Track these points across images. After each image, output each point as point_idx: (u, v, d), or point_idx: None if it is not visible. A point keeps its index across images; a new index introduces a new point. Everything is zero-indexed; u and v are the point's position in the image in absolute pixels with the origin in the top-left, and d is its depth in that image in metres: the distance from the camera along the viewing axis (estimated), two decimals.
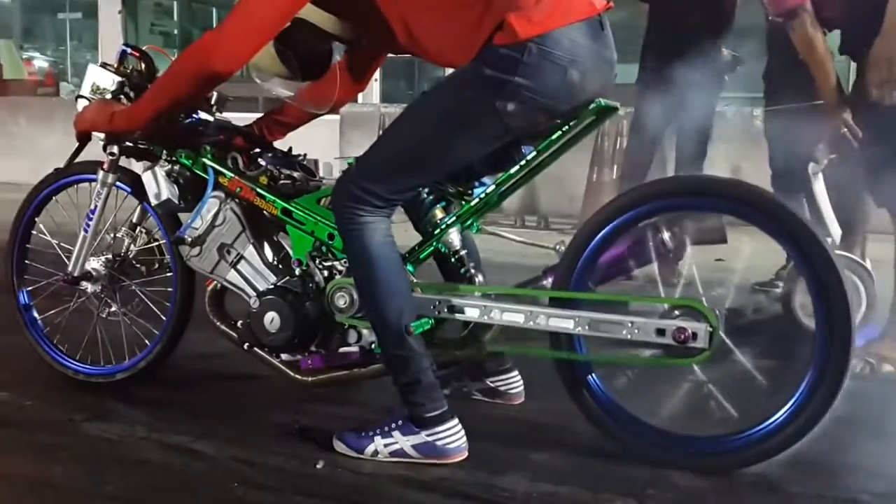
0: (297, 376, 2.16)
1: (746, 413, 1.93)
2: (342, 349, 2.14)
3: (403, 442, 1.97)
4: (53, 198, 2.55)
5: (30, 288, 2.62)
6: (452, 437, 1.97)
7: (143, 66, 2.37)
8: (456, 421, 1.98)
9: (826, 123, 3.15)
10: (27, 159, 8.46)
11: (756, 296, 3.57)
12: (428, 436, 1.96)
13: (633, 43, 4.31)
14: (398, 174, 1.97)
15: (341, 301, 2.08)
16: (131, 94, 2.31)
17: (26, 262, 2.61)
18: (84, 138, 2.29)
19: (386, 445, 1.98)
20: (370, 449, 1.99)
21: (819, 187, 3.09)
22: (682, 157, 4.16)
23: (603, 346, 2.00)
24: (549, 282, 2.05)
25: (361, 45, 2.23)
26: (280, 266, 2.22)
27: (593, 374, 2.03)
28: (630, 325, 1.90)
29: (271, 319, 2.11)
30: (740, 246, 1.99)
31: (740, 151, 5.80)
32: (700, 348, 1.86)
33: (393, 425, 1.99)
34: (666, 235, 1.98)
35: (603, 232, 1.98)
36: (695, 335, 1.86)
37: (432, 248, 2.10)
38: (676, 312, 1.90)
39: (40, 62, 12.05)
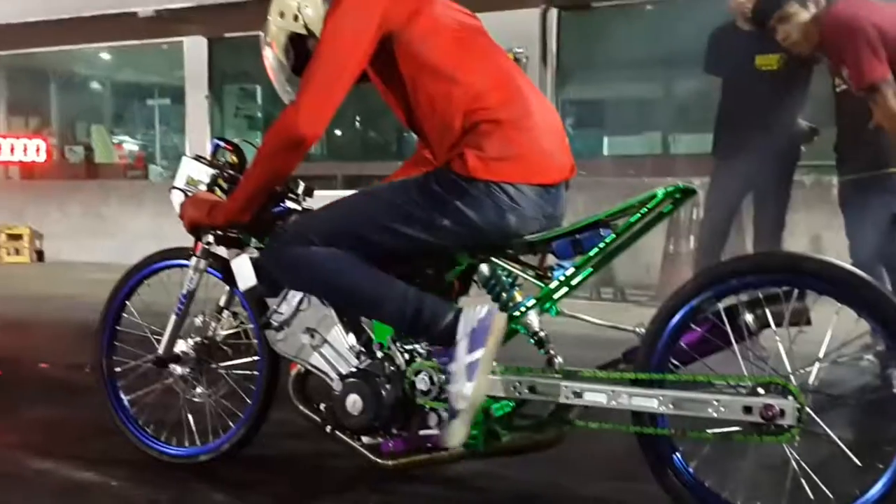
0: (378, 460, 2.16)
1: (837, 492, 1.87)
2: (423, 432, 2.14)
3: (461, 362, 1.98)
4: (145, 281, 2.64)
5: (118, 369, 2.69)
6: (484, 317, 1.99)
7: (234, 158, 2.47)
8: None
9: None
10: (117, 240, 8.79)
11: (842, 369, 3.46)
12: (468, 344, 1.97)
13: (708, 112, 4.30)
14: (329, 228, 2.11)
15: (422, 384, 2.09)
16: (224, 186, 2.40)
17: (115, 343, 2.69)
18: (195, 231, 2.39)
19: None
20: None
21: None
22: (761, 228, 4.09)
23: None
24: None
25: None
26: (362, 349, 2.24)
27: (678, 453, 1.99)
28: (716, 403, 1.87)
29: (353, 402, 2.14)
30: (822, 318, 1.95)
31: (820, 221, 5.68)
32: (789, 425, 1.82)
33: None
34: (749, 317, 1.95)
35: (683, 311, 1.97)
36: (783, 412, 1.82)
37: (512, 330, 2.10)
38: (761, 390, 1.86)
39: (130, 146, 12.52)
